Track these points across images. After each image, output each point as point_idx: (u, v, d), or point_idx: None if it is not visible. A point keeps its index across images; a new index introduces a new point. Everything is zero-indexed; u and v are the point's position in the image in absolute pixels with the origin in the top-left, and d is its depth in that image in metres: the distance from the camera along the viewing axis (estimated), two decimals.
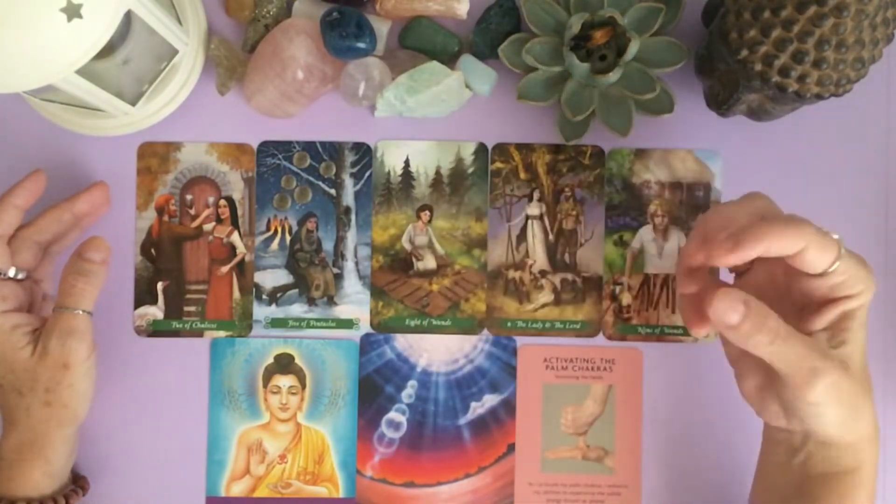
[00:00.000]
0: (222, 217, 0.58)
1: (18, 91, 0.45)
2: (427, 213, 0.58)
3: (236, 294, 0.58)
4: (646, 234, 0.58)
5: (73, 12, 0.42)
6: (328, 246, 0.58)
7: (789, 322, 0.43)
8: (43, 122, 0.56)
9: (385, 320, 0.58)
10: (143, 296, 0.58)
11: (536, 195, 0.58)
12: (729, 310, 0.42)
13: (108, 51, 0.51)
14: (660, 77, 0.54)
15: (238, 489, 0.57)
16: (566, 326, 0.58)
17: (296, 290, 0.58)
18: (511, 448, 0.57)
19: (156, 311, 0.58)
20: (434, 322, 0.58)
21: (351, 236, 0.58)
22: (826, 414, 0.44)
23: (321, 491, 0.57)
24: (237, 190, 0.58)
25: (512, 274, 0.58)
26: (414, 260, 0.58)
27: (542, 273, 0.58)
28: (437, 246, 0.58)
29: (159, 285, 0.58)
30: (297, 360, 0.58)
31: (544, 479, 0.57)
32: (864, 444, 0.46)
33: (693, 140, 0.58)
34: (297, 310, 0.58)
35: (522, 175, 0.58)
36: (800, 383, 0.42)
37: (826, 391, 0.42)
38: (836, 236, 0.43)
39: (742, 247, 0.42)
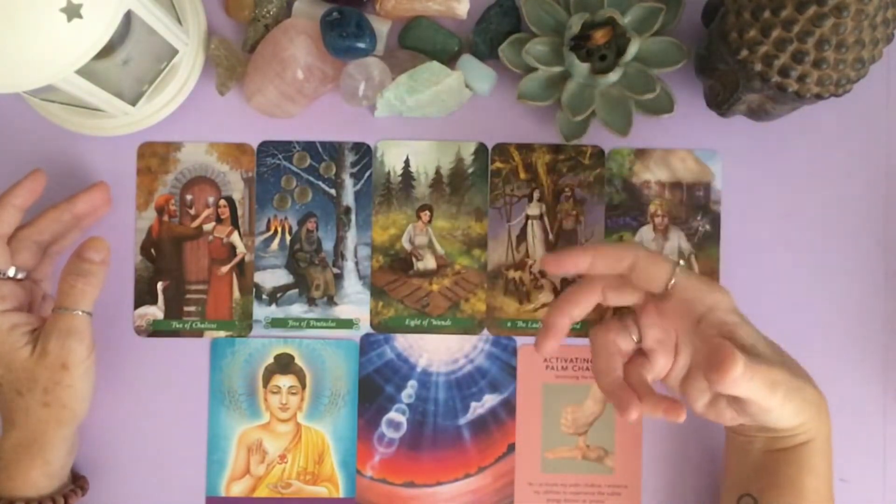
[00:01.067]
0: (222, 217, 0.58)
1: (18, 91, 0.45)
2: (427, 213, 0.58)
3: (236, 294, 0.58)
4: (646, 234, 0.58)
5: (73, 12, 0.42)
6: (328, 246, 0.58)
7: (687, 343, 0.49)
8: (43, 122, 0.56)
9: (385, 320, 0.58)
10: (143, 296, 0.58)
11: (536, 195, 0.58)
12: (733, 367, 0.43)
13: (108, 51, 0.51)
14: (660, 77, 0.54)
15: (238, 489, 0.57)
16: None
17: (296, 290, 0.58)
18: (511, 448, 0.57)
19: (156, 311, 0.58)
20: (434, 322, 0.58)
21: (351, 236, 0.58)
22: (783, 414, 0.46)
23: (321, 491, 0.57)
24: (237, 190, 0.58)
25: (512, 274, 0.58)
26: (414, 260, 0.58)
27: (542, 273, 0.58)
28: (437, 246, 0.58)
29: (159, 285, 0.58)
30: (297, 360, 0.58)
31: (544, 479, 0.57)
32: (812, 419, 0.48)
33: (693, 140, 0.58)
34: (297, 310, 0.58)
35: (522, 175, 0.58)
36: (762, 398, 0.45)
37: (783, 395, 0.45)
38: (676, 260, 0.48)
39: (565, 259, 0.48)
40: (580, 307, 0.50)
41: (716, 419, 0.48)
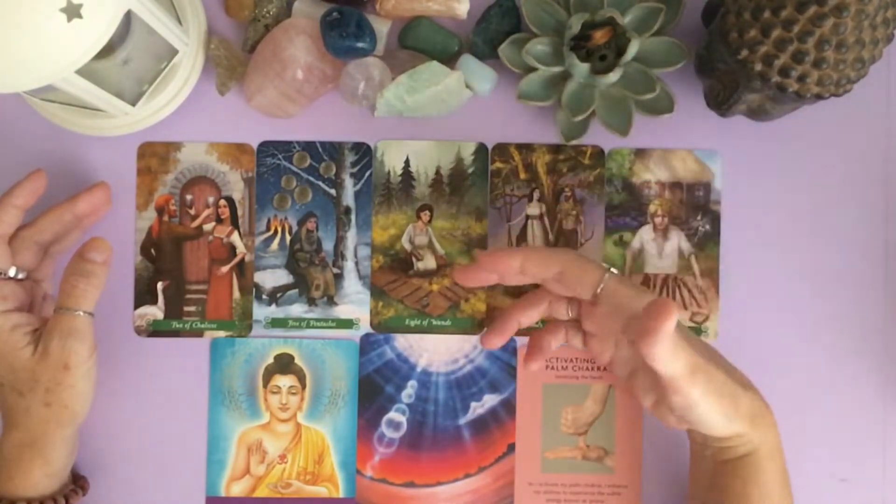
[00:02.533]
0: (222, 217, 0.58)
1: (18, 91, 0.45)
2: (427, 213, 0.58)
3: (236, 294, 0.58)
4: (646, 234, 0.58)
5: (73, 12, 0.42)
6: (328, 246, 0.58)
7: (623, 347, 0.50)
8: (43, 122, 0.56)
9: (385, 320, 0.58)
10: (143, 296, 0.58)
11: (536, 195, 0.58)
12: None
13: (108, 51, 0.51)
14: (660, 77, 0.54)
15: (238, 489, 0.57)
16: None
17: (296, 290, 0.58)
18: (511, 448, 0.57)
19: (156, 311, 0.58)
20: (434, 322, 0.58)
21: (351, 236, 0.58)
22: (709, 413, 0.47)
23: (321, 491, 0.57)
24: (237, 190, 0.58)
25: None
26: (414, 260, 0.58)
27: None
28: (437, 246, 0.58)
29: (159, 285, 0.58)
30: (297, 360, 0.58)
31: (544, 479, 0.57)
32: (749, 428, 0.48)
33: (693, 140, 0.58)
34: (297, 310, 0.58)
35: (522, 175, 0.58)
36: (682, 383, 0.46)
37: (704, 385, 0.46)
38: (607, 267, 0.49)
39: (496, 259, 0.50)
40: (527, 315, 0.53)
41: (661, 420, 0.50)
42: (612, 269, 0.49)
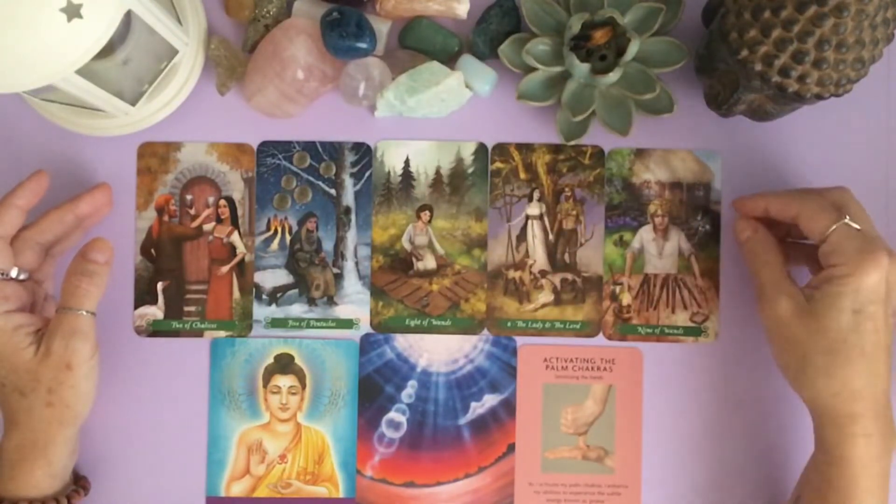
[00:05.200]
0: (222, 217, 0.58)
1: (18, 91, 0.45)
2: (427, 213, 0.58)
3: (236, 294, 0.58)
4: (646, 234, 0.58)
5: (73, 12, 0.42)
6: (328, 246, 0.58)
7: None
8: (43, 122, 0.56)
9: (385, 320, 0.58)
10: (143, 296, 0.58)
11: (536, 195, 0.58)
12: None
13: (108, 51, 0.51)
14: (660, 77, 0.54)
15: (238, 489, 0.57)
16: (566, 326, 0.58)
17: (296, 290, 0.58)
18: (511, 448, 0.58)
19: (156, 311, 0.58)
20: (434, 322, 0.58)
21: (351, 236, 0.58)
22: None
23: (321, 491, 0.57)
24: (237, 190, 0.58)
25: (512, 274, 0.58)
26: (414, 260, 0.58)
27: (542, 273, 0.58)
28: (437, 246, 0.58)
29: (159, 285, 0.58)
30: (297, 360, 0.58)
31: (544, 479, 0.57)
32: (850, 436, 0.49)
33: (693, 140, 0.58)
34: (297, 310, 0.58)
35: (522, 175, 0.58)
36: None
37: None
38: (848, 220, 0.50)
39: (746, 204, 0.55)
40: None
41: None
42: (846, 219, 0.50)
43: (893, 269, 0.49)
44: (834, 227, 0.50)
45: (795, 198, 0.52)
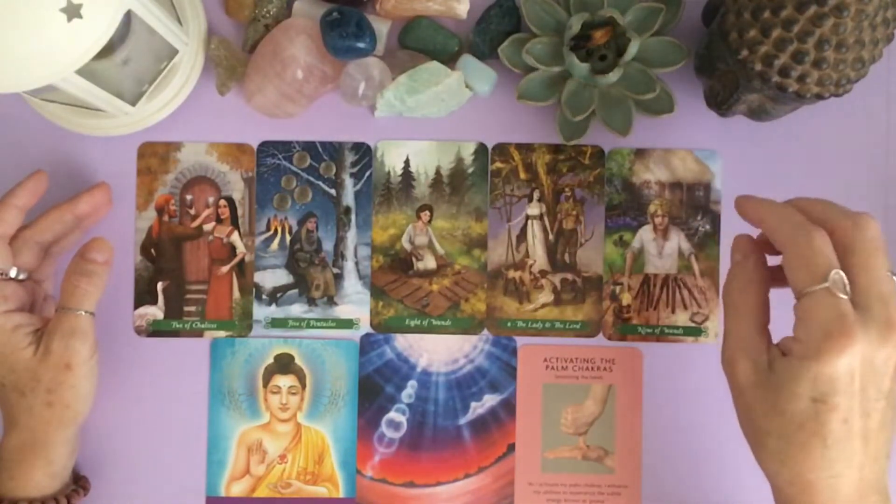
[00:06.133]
0: (222, 217, 0.58)
1: (18, 91, 0.45)
2: (427, 213, 0.58)
3: (236, 294, 0.58)
4: (646, 234, 0.58)
5: (73, 12, 0.42)
6: (328, 246, 0.58)
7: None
8: (43, 122, 0.56)
9: (385, 320, 0.58)
10: (143, 296, 0.58)
11: (536, 195, 0.58)
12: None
13: (108, 51, 0.51)
14: (660, 77, 0.54)
15: (238, 489, 0.57)
16: (566, 326, 0.58)
17: (296, 290, 0.58)
18: (511, 448, 0.57)
19: (156, 311, 0.58)
20: (434, 322, 0.58)
21: (351, 236, 0.58)
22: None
23: (321, 491, 0.57)
24: (237, 190, 0.58)
25: (512, 274, 0.58)
26: (414, 260, 0.58)
27: (542, 273, 0.58)
28: (437, 246, 0.58)
29: (159, 285, 0.58)
30: (297, 360, 0.58)
31: (544, 479, 0.57)
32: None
33: (693, 140, 0.58)
34: (297, 310, 0.58)
35: (522, 175, 0.58)
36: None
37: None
38: (830, 286, 0.41)
39: (745, 206, 0.47)
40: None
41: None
42: (829, 283, 0.41)
43: (878, 351, 0.41)
44: (810, 288, 0.41)
45: (791, 224, 0.43)
